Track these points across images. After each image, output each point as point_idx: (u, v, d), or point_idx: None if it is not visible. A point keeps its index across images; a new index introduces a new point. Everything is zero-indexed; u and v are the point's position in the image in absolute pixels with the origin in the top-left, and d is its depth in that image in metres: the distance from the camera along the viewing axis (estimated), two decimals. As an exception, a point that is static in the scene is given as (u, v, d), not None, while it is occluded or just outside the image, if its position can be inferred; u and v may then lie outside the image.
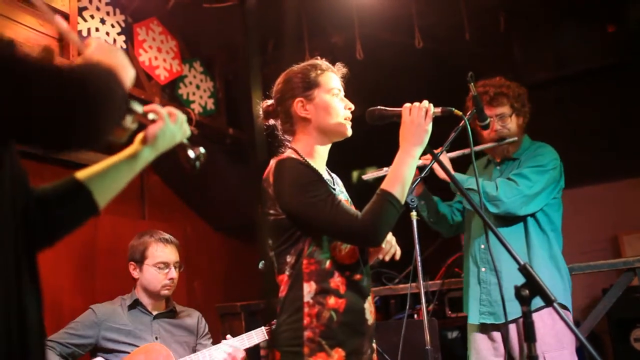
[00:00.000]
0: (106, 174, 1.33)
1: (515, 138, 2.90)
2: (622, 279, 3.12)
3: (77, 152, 1.03)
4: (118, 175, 1.35)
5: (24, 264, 1.10)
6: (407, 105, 1.97)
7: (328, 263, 1.87)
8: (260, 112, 2.13)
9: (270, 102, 2.13)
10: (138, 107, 1.29)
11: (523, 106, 2.94)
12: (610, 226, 4.93)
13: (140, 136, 1.38)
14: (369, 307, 1.93)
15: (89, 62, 1.06)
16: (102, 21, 3.60)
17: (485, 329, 2.88)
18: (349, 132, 2.04)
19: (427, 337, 2.51)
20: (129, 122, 1.28)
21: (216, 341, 2.97)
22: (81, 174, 1.31)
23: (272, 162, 1.94)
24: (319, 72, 2.05)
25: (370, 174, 2.55)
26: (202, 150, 1.46)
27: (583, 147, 4.52)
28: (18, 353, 1.05)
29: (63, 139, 0.99)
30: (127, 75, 1.13)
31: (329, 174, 2.12)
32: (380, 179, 1.95)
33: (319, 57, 2.14)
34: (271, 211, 1.89)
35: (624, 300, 3.45)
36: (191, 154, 1.44)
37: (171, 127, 1.37)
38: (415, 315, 3.61)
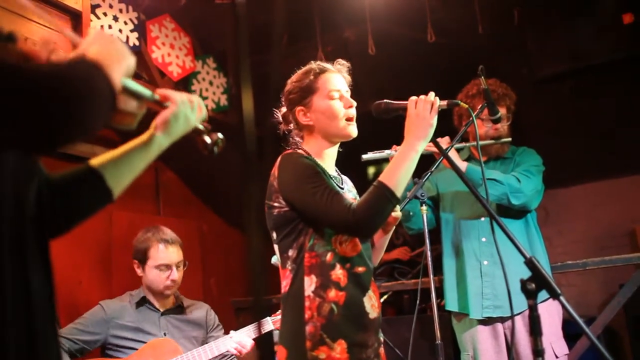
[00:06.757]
0: (119, 161, 1.33)
1: (510, 139, 2.99)
2: (638, 274, 3.08)
3: (64, 148, 1.01)
4: (132, 161, 1.34)
5: (33, 249, 1.09)
6: (413, 98, 1.97)
7: (329, 255, 1.89)
8: (280, 118, 2.17)
9: (284, 109, 2.16)
10: (146, 92, 1.25)
11: (513, 111, 3.03)
12: (628, 220, 4.87)
13: (154, 122, 1.36)
14: (369, 300, 1.92)
15: (72, 58, 1.03)
16: (115, 18, 3.62)
17: (488, 323, 2.88)
18: (354, 133, 2.05)
19: (438, 331, 2.51)
20: (135, 107, 1.23)
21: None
22: (94, 161, 1.31)
23: (279, 158, 1.98)
24: (312, 77, 2.06)
25: (369, 155, 2.55)
26: (219, 135, 1.43)
27: (599, 141, 4.47)
28: (23, 337, 1.04)
29: (43, 138, 0.95)
30: (120, 66, 1.09)
31: (338, 174, 2.15)
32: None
33: (313, 62, 2.12)
34: (275, 204, 1.93)
35: (641, 295, 3.41)
36: (207, 139, 1.41)
37: (185, 111, 1.34)
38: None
